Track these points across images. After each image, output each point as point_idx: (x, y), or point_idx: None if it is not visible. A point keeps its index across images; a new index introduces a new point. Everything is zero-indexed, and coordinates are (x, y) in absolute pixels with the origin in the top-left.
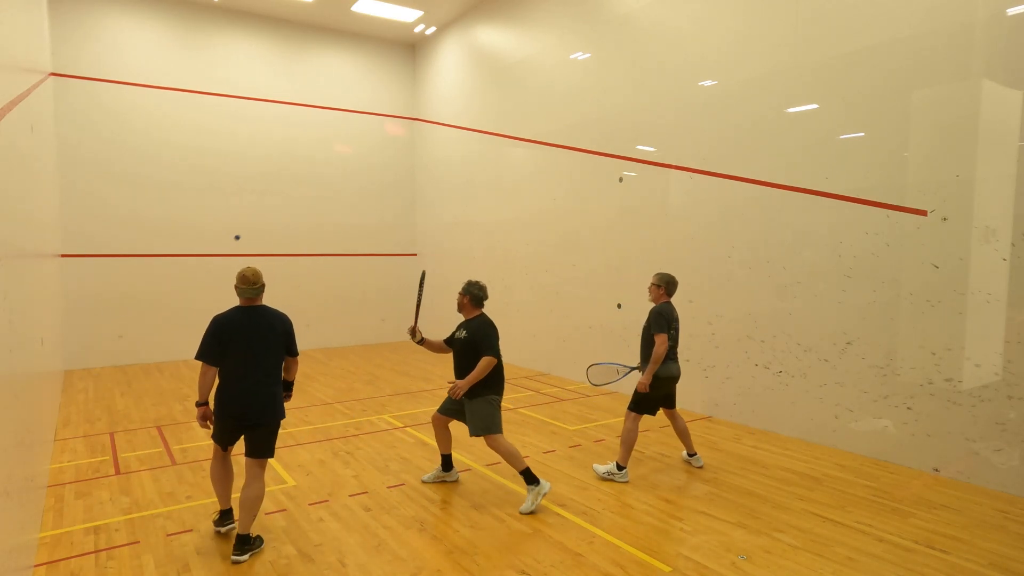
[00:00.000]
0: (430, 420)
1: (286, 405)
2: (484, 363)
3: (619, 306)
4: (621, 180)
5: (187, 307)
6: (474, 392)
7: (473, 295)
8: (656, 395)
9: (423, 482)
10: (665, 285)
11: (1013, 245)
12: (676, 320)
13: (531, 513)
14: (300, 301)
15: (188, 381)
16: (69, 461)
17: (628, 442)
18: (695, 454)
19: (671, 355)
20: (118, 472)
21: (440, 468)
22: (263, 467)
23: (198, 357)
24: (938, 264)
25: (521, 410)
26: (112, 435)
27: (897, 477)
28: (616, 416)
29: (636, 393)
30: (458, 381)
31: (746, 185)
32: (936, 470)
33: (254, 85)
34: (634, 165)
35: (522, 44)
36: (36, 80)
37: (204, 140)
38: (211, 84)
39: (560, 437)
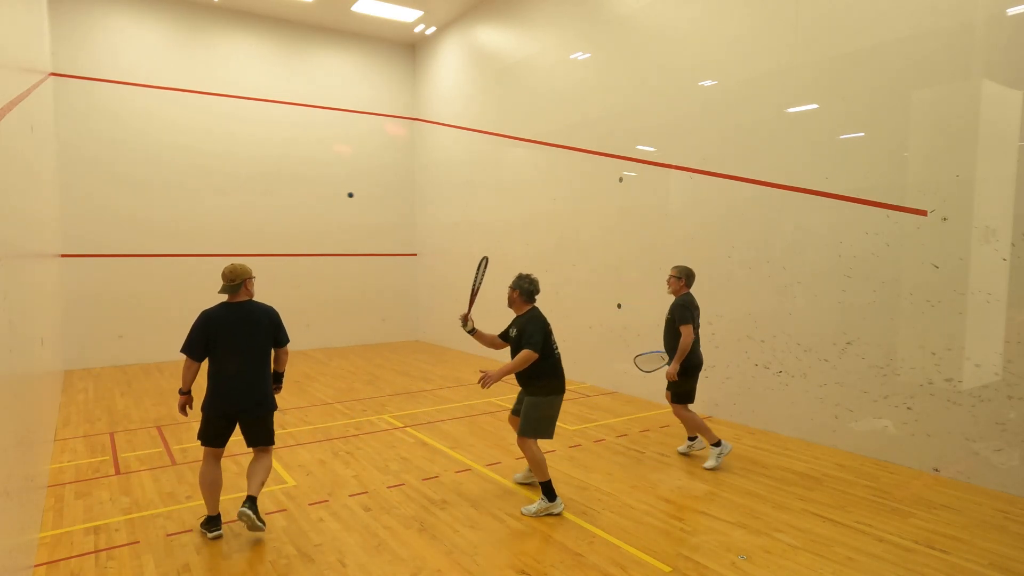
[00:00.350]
0: (507, 421)
1: (282, 399)
2: (520, 356)
3: (619, 306)
4: (621, 180)
5: (187, 307)
6: (528, 388)
7: (523, 289)
8: (692, 383)
9: (515, 482)
10: (685, 277)
11: (1013, 245)
12: (698, 309)
13: (531, 516)
14: (300, 301)
15: None
16: (69, 461)
17: (699, 426)
18: (696, 437)
19: (696, 344)
20: (118, 472)
21: (528, 469)
22: (269, 451)
23: (182, 350)
24: (938, 264)
25: None
26: (112, 435)
27: (897, 477)
28: (616, 416)
29: (673, 385)
30: (489, 370)
31: (746, 185)
32: (936, 470)
33: (254, 85)
34: (634, 165)
35: (522, 44)
36: (36, 80)
37: (204, 140)
38: (211, 84)
39: (560, 437)
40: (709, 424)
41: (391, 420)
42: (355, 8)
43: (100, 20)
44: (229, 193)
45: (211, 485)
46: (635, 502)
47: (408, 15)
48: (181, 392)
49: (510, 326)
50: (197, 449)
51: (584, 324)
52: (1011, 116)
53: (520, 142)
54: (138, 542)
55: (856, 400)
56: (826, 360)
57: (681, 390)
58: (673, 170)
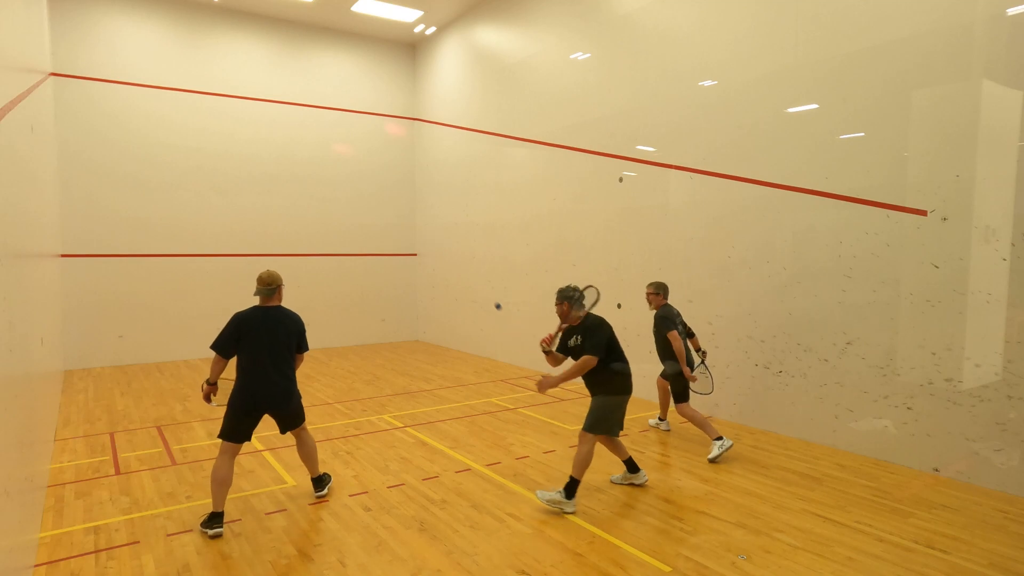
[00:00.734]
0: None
1: None
2: (581, 361)
3: (619, 306)
4: (621, 180)
5: (187, 307)
6: (593, 390)
7: (571, 299)
8: (686, 381)
9: (611, 482)
10: (662, 291)
11: (1013, 245)
12: (679, 315)
13: (543, 501)
14: (300, 301)
15: (188, 381)
16: (69, 461)
17: (702, 422)
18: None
19: (684, 343)
20: (118, 472)
21: (627, 471)
22: (305, 429)
23: (212, 347)
24: (938, 264)
25: (521, 410)
26: (112, 435)
27: (897, 477)
28: None
29: (675, 385)
30: (549, 375)
31: (746, 185)
32: (936, 470)
33: (254, 85)
34: (634, 165)
35: (522, 44)
36: (36, 80)
37: (204, 140)
38: (211, 84)
39: (560, 437)
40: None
41: (391, 420)
42: (355, 8)
43: (100, 20)
44: (229, 193)
45: (223, 481)
46: (635, 502)
47: (408, 15)
48: (208, 383)
49: (566, 336)
50: (197, 449)
51: None
52: (1011, 116)
53: (520, 142)
54: (138, 542)
55: (856, 400)
56: (826, 360)
57: (679, 388)
58: (673, 170)
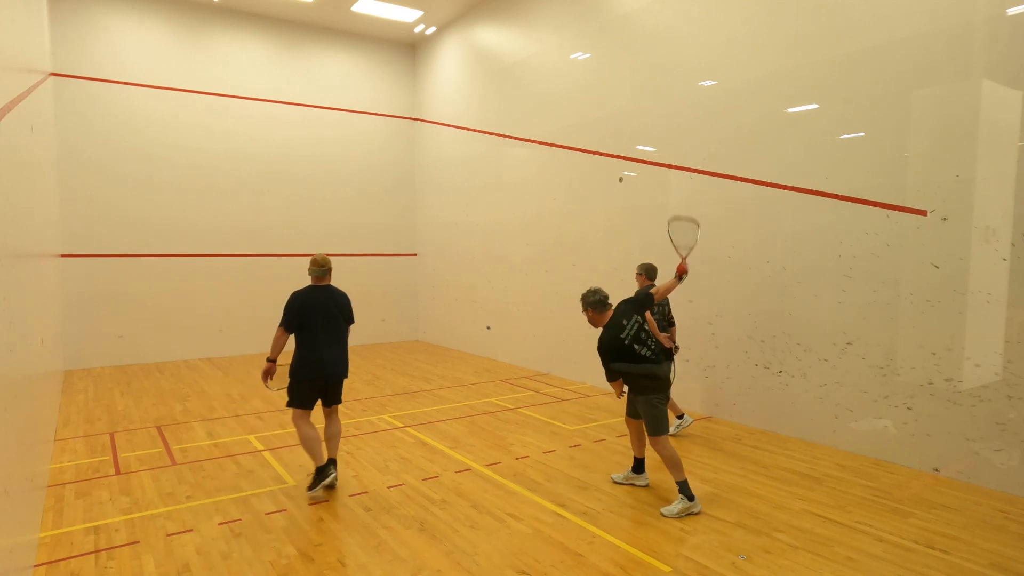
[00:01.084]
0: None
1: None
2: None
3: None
4: (621, 180)
5: (187, 307)
6: (634, 390)
7: (594, 303)
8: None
9: (613, 479)
10: (644, 272)
11: (1013, 245)
12: (666, 303)
13: (672, 516)
14: None
15: (188, 381)
16: (69, 461)
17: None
18: (683, 415)
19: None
20: (118, 472)
21: (631, 470)
22: (337, 411)
23: (281, 325)
24: (938, 264)
25: (521, 410)
26: (112, 435)
27: (897, 477)
28: (616, 416)
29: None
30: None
31: (746, 185)
32: (936, 470)
33: (254, 85)
34: (634, 165)
35: (522, 44)
36: (36, 80)
37: (204, 140)
38: (211, 84)
39: (560, 437)
40: (709, 424)
41: (391, 420)
42: (355, 8)
43: (100, 20)
44: (229, 193)
45: (314, 440)
46: (635, 502)
47: (408, 15)
48: (269, 360)
49: None
50: (197, 449)
51: (584, 324)
52: (1011, 116)
53: (520, 142)
54: (138, 542)
55: (856, 400)
56: (826, 360)
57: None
58: (673, 170)
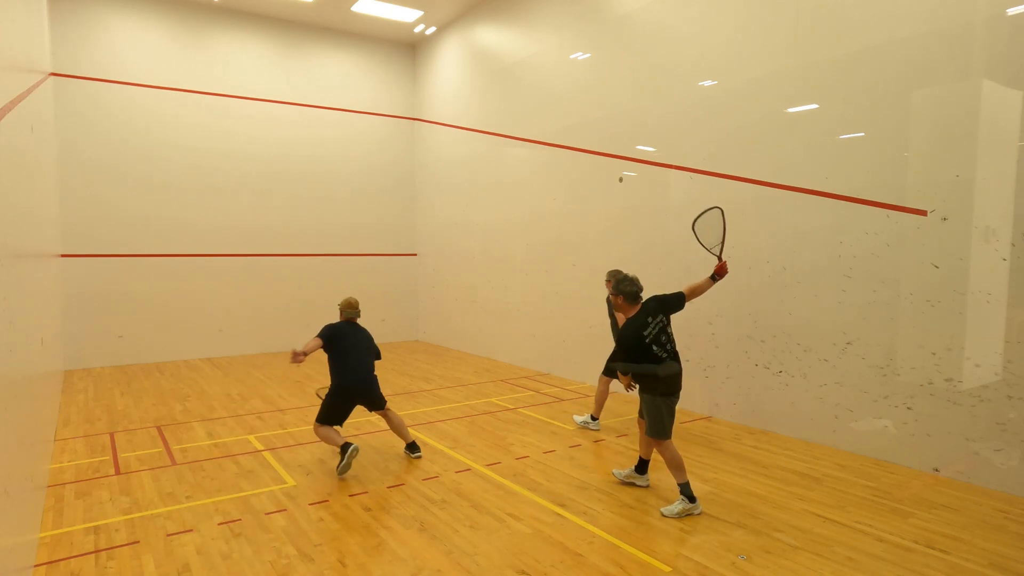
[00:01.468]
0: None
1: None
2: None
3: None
4: (621, 180)
5: (187, 307)
6: (642, 388)
7: (628, 293)
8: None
9: (614, 475)
10: (611, 277)
11: (1013, 245)
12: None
13: (672, 516)
14: (301, 301)
15: (188, 381)
16: (69, 461)
17: (599, 399)
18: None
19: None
20: (118, 472)
21: (634, 469)
22: (389, 408)
23: (319, 335)
24: (938, 264)
25: (521, 410)
26: (112, 435)
27: (897, 477)
28: (616, 416)
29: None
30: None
31: (746, 185)
32: (936, 470)
33: (254, 85)
34: (634, 165)
35: (522, 44)
36: (36, 80)
37: (204, 140)
38: (211, 84)
39: (560, 437)
40: (709, 424)
41: None
42: (355, 8)
43: (100, 20)
44: (229, 193)
45: (330, 437)
46: (635, 502)
47: (408, 15)
48: (301, 351)
49: None
50: (197, 449)
51: (584, 324)
52: (1011, 116)
53: (520, 142)
54: (138, 542)
55: (856, 400)
56: (826, 360)
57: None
58: (673, 170)
